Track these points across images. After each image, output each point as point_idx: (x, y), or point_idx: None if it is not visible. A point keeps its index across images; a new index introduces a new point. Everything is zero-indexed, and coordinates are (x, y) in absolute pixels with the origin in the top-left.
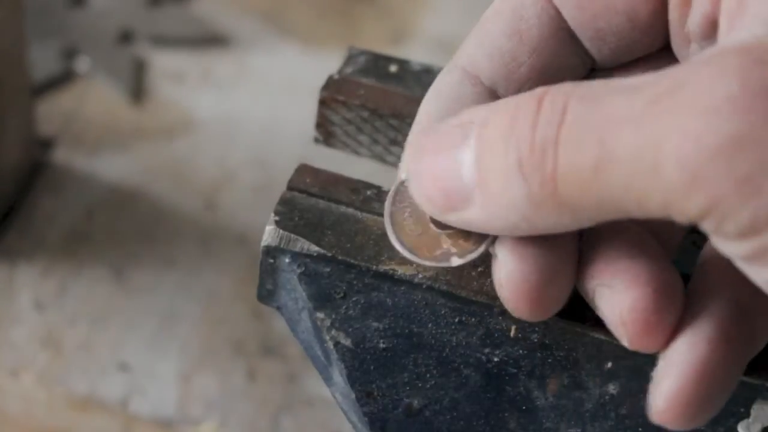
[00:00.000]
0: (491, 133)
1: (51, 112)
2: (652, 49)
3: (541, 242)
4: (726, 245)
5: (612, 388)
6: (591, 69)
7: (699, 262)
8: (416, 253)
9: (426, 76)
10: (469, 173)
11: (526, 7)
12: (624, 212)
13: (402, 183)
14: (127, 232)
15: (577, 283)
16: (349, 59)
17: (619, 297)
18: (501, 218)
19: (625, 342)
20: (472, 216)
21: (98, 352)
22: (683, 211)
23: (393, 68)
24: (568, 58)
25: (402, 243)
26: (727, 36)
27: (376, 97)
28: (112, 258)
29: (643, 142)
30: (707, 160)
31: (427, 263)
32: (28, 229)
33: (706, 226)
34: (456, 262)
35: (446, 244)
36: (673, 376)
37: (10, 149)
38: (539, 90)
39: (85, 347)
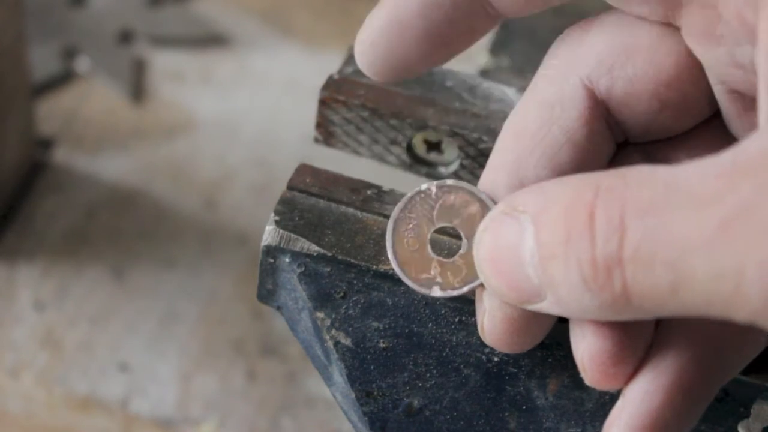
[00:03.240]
0: (547, 236)
1: (51, 112)
2: (685, 127)
3: None
4: None
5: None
6: (623, 142)
7: None
8: (404, 270)
9: (426, 75)
10: (534, 274)
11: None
12: (703, 317)
13: (419, 193)
14: (127, 232)
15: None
16: (349, 59)
17: (582, 340)
18: (577, 312)
19: (585, 380)
20: (548, 309)
21: (98, 352)
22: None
23: None
24: (600, 132)
25: (395, 254)
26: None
27: (376, 97)
28: (112, 258)
29: (720, 270)
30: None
31: (409, 283)
32: (28, 229)
33: None
34: (436, 293)
35: (434, 270)
36: (626, 420)
37: (10, 149)
38: (587, 195)
39: (85, 347)
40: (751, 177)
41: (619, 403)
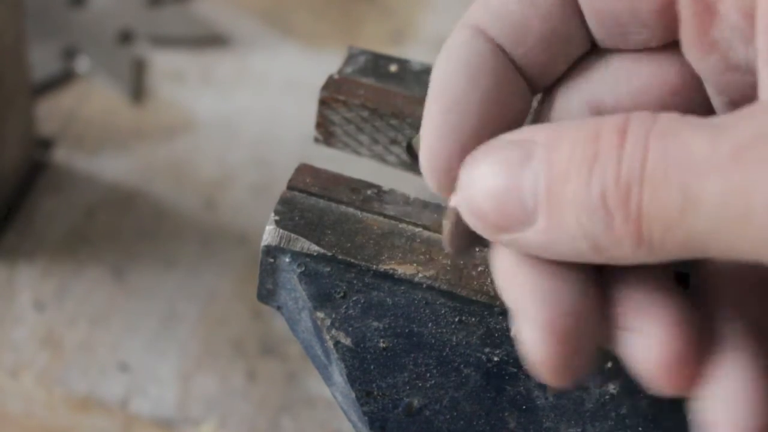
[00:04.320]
0: (563, 159)
1: (51, 112)
2: (650, 44)
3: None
4: None
5: (612, 388)
6: (591, 46)
7: (708, 284)
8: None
9: (426, 76)
10: (531, 196)
11: None
12: (707, 254)
13: None
14: (127, 232)
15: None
16: (349, 59)
17: (649, 343)
18: (565, 244)
19: (656, 387)
20: (530, 238)
21: (98, 352)
22: None
23: (393, 68)
24: (575, 30)
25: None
26: None
27: (376, 97)
28: (112, 258)
29: (731, 190)
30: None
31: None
32: (28, 229)
33: None
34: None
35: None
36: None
37: (10, 149)
38: (620, 120)
39: (85, 347)
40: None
41: (711, 402)
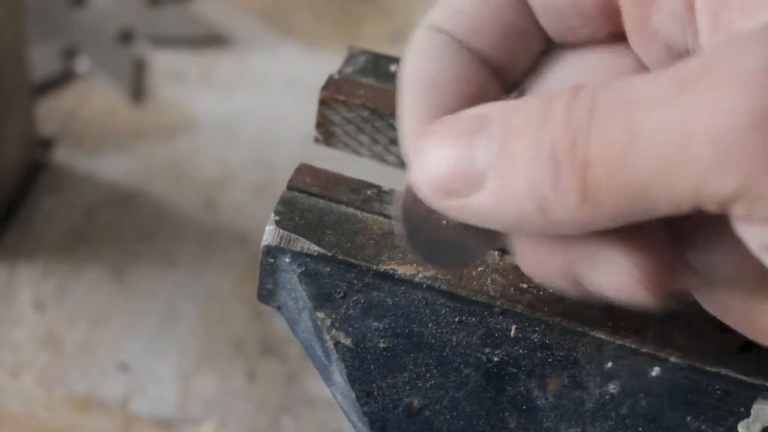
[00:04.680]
0: (519, 120)
1: (51, 112)
2: (598, 38)
3: None
4: (751, 232)
5: (612, 388)
6: (551, 41)
7: None
8: None
9: None
10: (483, 158)
11: None
12: (650, 204)
13: None
14: (127, 232)
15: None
16: (349, 59)
17: (624, 259)
18: (512, 207)
19: (640, 299)
20: (478, 202)
21: (98, 352)
22: (714, 194)
23: (393, 68)
24: (530, 25)
25: None
26: (712, 33)
27: (376, 97)
28: (112, 258)
29: (672, 120)
30: (739, 134)
31: None
32: (28, 229)
33: (735, 211)
34: None
35: None
36: None
37: (10, 149)
38: (570, 89)
39: (85, 347)
40: (709, 55)
41: None
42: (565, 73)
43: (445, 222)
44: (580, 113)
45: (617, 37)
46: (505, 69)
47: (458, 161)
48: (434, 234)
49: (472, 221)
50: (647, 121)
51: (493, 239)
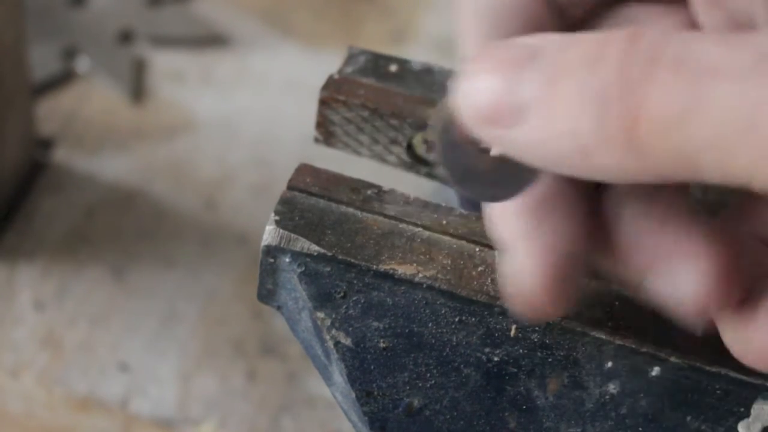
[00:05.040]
0: (571, 57)
1: (51, 112)
2: None
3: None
4: None
5: (612, 388)
6: None
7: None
8: None
9: (426, 75)
10: (530, 89)
11: None
12: (698, 171)
13: None
14: (127, 232)
15: (614, 269)
16: (349, 59)
17: (686, 280)
18: (554, 145)
19: (698, 321)
20: (519, 135)
21: (98, 352)
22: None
23: (393, 68)
24: None
25: None
26: None
27: (376, 97)
28: (112, 258)
29: (743, 96)
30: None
31: None
32: (28, 229)
33: None
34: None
35: None
36: None
37: (10, 149)
38: (633, 28)
39: (85, 347)
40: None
41: None
42: (627, 21)
43: (484, 150)
44: (640, 61)
45: None
46: (568, 8)
47: (503, 92)
48: (471, 160)
49: (511, 153)
50: (716, 89)
51: (530, 177)
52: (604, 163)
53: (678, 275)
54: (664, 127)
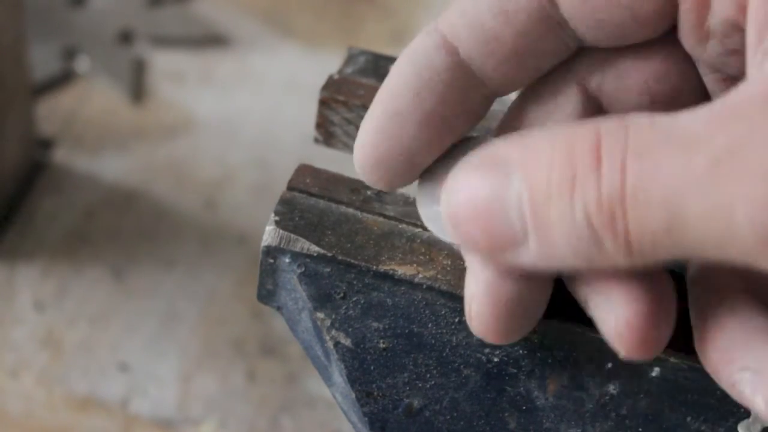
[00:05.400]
0: (542, 181)
1: (51, 112)
2: (649, 37)
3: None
4: None
5: (612, 388)
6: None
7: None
8: None
9: None
10: (518, 217)
11: None
12: (700, 258)
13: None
14: (127, 232)
15: (569, 286)
16: (349, 59)
17: (614, 309)
18: (560, 262)
19: (620, 352)
20: (525, 259)
21: (98, 352)
22: (761, 267)
23: None
24: (553, 43)
25: None
26: (756, 50)
27: None
28: (112, 258)
29: (712, 207)
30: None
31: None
32: (28, 229)
33: None
34: None
35: None
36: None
37: (10, 149)
38: (591, 136)
39: (85, 347)
40: (740, 119)
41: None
42: (593, 67)
43: None
44: (611, 186)
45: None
46: (506, 85)
47: (493, 221)
48: None
49: (522, 269)
50: (688, 205)
51: None
52: (611, 266)
53: (610, 305)
54: (655, 240)
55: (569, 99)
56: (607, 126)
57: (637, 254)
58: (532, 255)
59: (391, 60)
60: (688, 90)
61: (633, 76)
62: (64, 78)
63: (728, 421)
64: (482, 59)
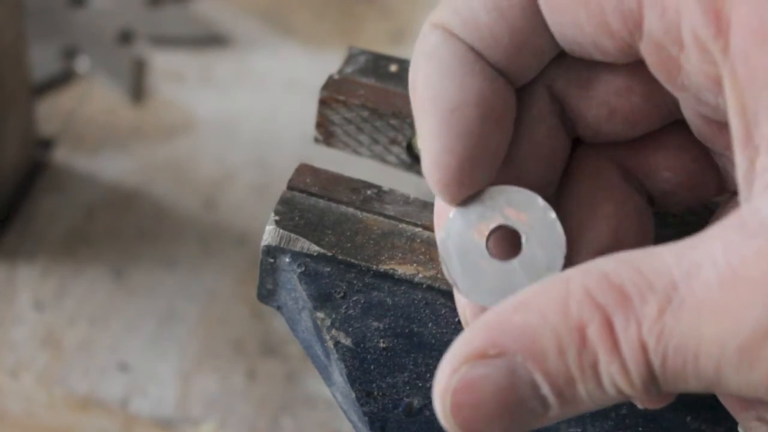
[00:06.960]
0: (561, 369)
1: (51, 112)
2: (618, 62)
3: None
4: None
5: None
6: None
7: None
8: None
9: None
10: (536, 398)
11: None
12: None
13: None
14: (127, 232)
15: None
16: (349, 59)
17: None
18: (587, 409)
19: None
20: (552, 416)
21: (98, 352)
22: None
23: (393, 68)
24: (545, 40)
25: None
26: (744, 155)
27: (376, 97)
28: (112, 258)
29: (753, 381)
30: (733, 359)
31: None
32: (28, 229)
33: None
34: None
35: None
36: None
37: (10, 149)
38: (574, 312)
39: (85, 347)
40: (759, 291)
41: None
42: (578, 83)
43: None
44: (636, 363)
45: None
46: (515, 79)
47: (515, 413)
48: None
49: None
50: (726, 379)
51: None
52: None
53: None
54: (675, 377)
55: (535, 99)
56: (601, 294)
57: (663, 385)
58: (557, 413)
59: (391, 60)
60: (648, 108)
61: (596, 87)
62: (64, 78)
63: (728, 421)
64: (489, 53)
